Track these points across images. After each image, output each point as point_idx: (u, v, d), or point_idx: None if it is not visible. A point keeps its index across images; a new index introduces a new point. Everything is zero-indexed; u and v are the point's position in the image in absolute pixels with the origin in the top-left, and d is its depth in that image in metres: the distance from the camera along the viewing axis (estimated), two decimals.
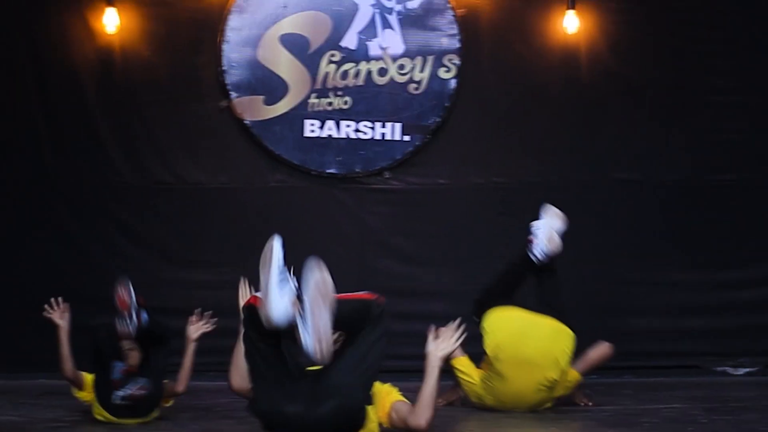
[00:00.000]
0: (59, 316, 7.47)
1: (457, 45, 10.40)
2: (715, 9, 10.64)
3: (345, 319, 6.02)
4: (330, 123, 10.54)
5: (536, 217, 8.85)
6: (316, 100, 10.47)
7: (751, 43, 10.58)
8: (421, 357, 6.26)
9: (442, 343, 6.31)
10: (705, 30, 10.61)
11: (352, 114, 10.52)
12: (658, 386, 9.46)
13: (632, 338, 9.78)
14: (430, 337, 6.30)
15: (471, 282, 9.84)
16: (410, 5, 10.48)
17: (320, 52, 10.41)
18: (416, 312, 9.90)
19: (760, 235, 10.57)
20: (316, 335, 5.74)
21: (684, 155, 10.54)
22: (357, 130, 10.52)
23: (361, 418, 5.92)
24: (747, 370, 10.28)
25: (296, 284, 5.94)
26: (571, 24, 10.37)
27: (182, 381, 7.70)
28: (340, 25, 10.44)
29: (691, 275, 10.49)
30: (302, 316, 5.79)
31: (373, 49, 10.46)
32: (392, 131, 10.54)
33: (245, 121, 10.38)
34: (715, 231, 10.55)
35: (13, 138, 10.36)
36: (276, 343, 6.01)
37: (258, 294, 6.13)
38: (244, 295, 6.62)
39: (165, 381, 7.67)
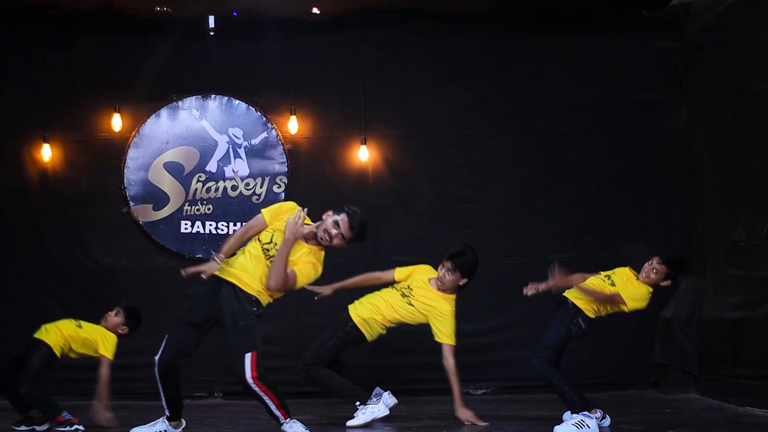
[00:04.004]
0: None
1: (285, 169, 11.39)
2: (456, 143, 11.66)
3: None
4: (198, 223, 11.44)
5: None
6: (188, 207, 11.42)
7: (485, 168, 11.68)
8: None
9: (292, 227, 7.49)
10: (451, 158, 11.61)
11: (213, 217, 11.40)
12: (427, 402, 10.56)
13: (406, 371, 11.03)
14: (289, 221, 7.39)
15: (288, 319, 11.28)
16: (254, 142, 11.40)
17: (191, 174, 11.42)
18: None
19: (483, 300, 11.21)
20: None
21: (438, 245, 10.56)
22: (217, 228, 11.40)
23: None
24: (482, 391, 11.50)
25: None
26: (363, 154, 11.44)
27: None
28: (205, 155, 11.43)
29: None
30: None
31: (228, 172, 11.42)
32: None
33: (140, 222, 11.40)
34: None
35: None
36: None
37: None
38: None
39: None
